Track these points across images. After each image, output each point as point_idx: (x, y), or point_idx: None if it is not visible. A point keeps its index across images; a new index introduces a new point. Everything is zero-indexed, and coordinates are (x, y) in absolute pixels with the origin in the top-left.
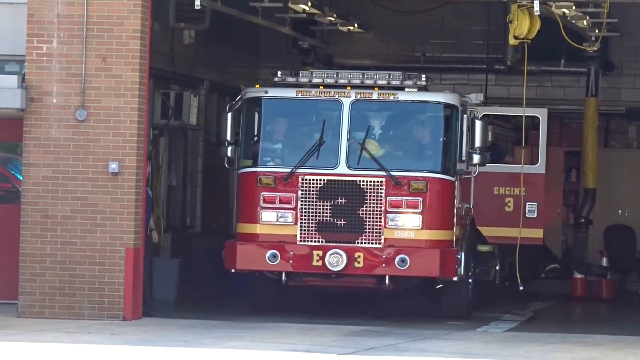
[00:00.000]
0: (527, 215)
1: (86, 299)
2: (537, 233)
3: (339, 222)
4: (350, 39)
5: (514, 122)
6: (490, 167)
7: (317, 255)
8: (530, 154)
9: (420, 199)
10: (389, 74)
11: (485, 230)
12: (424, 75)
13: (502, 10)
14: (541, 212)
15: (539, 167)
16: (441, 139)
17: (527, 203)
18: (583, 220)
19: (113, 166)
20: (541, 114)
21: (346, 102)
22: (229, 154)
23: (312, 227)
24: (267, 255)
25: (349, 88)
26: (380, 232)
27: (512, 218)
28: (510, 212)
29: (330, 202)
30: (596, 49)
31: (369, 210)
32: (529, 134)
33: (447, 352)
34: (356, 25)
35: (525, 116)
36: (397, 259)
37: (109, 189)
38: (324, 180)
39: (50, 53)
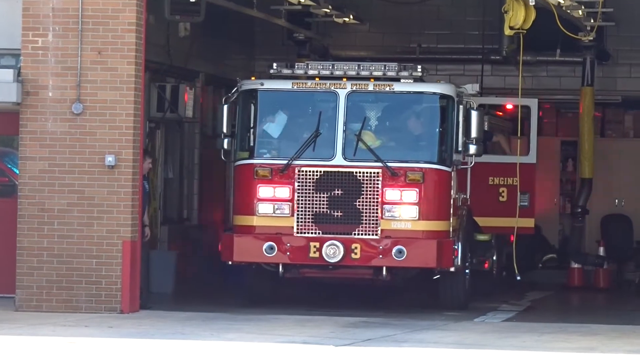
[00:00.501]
0: (519, 205)
1: (83, 292)
2: (529, 222)
3: (336, 214)
4: (346, 31)
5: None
6: (484, 158)
7: (314, 246)
8: (522, 144)
9: (417, 190)
10: (385, 65)
11: (480, 221)
12: (419, 66)
13: (498, 1)
14: (533, 202)
15: (530, 157)
16: (437, 129)
17: (519, 193)
18: (580, 210)
19: (109, 159)
20: (531, 104)
21: (342, 94)
22: (225, 146)
23: (308, 218)
24: (264, 247)
25: (344, 79)
26: (377, 223)
27: (506, 208)
28: (504, 202)
29: (327, 194)
30: (592, 38)
31: (366, 202)
32: (524, 124)
33: (444, 342)
34: (352, 16)
35: (517, 106)
36: (394, 250)
37: (105, 182)
38: (320, 171)
39: (45, 47)
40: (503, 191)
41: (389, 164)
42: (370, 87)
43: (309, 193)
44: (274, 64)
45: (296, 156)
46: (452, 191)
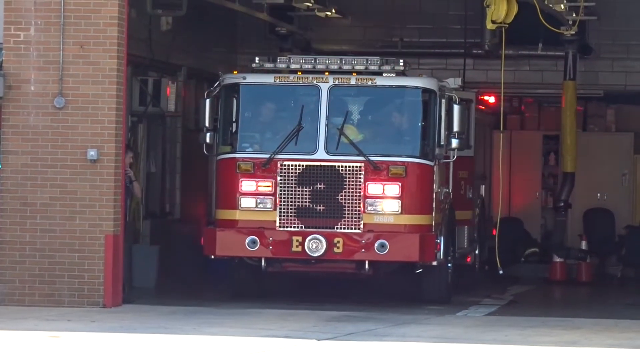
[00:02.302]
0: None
1: (66, 286)
2: (468, 215)
3: (318, 208)
4: (328, 25)
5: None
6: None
7: (297, 241)
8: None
9: (399, 184)
10: (367, 59)
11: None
12: (401, 60)
13: None
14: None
15: (470, 151)
16: (419, 123)
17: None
18: (562, 204)
19: (92, 153)
20: (471, 96)
21: (324, 88)
22: (207, 140)
23: (291, 212)
24: (247, 241)
25: (327, 74)
26: (359, 218)
27: (465, 201)
28: (463, 195)
29: (310, 188)
30: (574, 32)
31: (348, 196)
32: (506, 118)
33: (427, 336)
34: (334, 10)
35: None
36: (376, 244)
37: (87, 177)
38: (302, 165)
39: (27, 41)
40: (464, 185)
41: (372, 158)
42: (353, 82)
43: (292, 187)
44: (256, 58)
45: (278, 150)
46: (434, 185)
